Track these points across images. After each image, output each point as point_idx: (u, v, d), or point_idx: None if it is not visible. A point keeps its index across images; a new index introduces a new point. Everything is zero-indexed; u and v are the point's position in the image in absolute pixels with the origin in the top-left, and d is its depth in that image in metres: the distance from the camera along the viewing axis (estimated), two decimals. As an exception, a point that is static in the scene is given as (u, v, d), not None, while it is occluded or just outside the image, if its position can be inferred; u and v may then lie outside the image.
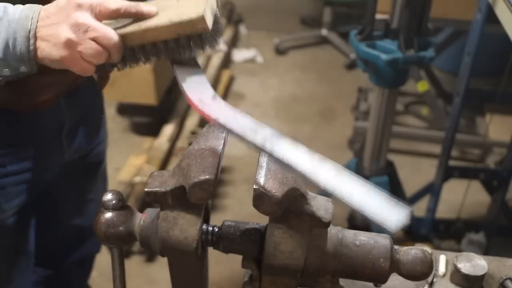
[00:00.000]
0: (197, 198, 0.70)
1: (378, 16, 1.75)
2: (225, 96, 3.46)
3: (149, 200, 0.75)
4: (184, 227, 0.73)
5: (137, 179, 2.53)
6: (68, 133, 1.22)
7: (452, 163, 2.15)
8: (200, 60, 3.78)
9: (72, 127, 1.23)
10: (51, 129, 1.17)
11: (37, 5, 0.85)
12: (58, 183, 1.30)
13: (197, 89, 0.81)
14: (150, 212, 0.78)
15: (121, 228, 0.77)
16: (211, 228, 0.78)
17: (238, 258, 0.78)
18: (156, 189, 0.74)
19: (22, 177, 1.16)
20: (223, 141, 0.75)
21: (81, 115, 1.25)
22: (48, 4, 0.85)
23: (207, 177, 0.69)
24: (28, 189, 1.19)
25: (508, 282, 0.99)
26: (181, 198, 0.73)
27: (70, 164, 1.28)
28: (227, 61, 3.80)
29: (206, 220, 0.79)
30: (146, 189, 0.75)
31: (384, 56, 1.67)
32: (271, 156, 0.69)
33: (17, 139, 1.12)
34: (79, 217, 1.44)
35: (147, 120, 3.06)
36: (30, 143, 1.14)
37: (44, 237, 1.40)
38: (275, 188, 0.69)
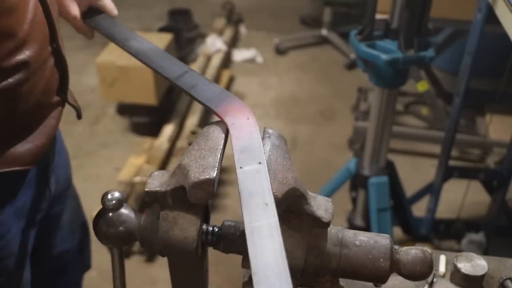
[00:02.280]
0: (197, 198, 0.70)
1: (378, 16, 1.75)
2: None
3: (149, 200, 0.75)
4: (184, 227, 0.73)
5: (137, 179, 2.53)
6: (52, 169, 1.20)
7: (452, 163, 2.15)
8: (201, 59, 3.77)
9: (54, 161, 1.20)
10: (40, 173, 1.14)
11: None
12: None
13: None
14: (150, 212, 0.78)
15: (121, 228, 0.77)
16: (211, 228, 0.78)
17: (238, 258, 0.78)
18: (156, 189, 0.74)
19: (23, 234, 1.12)
20: (223, 141, 0.75)
21: (56, 146, 1.23)
22: None
23: (207, 177, 0.68)
24: (28, 241, 1.16)
25: (508, 282, 0.99)
26: (181, 198, 0.73)
27: None
28: (227, 61, 3.81)
29: (206, 220, 0.79)
30: (146, 189, 0.74)
31: (384, 56, 1.67)
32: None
33: (15, 196, 1.08)
34: (60, 242, 1.39)
35: (147, 120, 3.07)
36: (25, 195, 1.10)
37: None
38: (275, 188, 0.68)
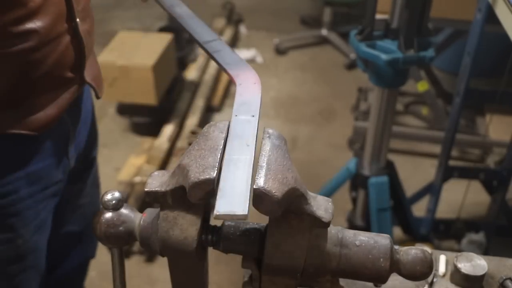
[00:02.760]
0: (197, 198, 0.70)
1: (378, 16, 1.75)
2: (225, 96, 3.46)
3: (149, 200, 0.75)
4: (184, 227, 0.73)
5: (137, 179, 2.53)
6: (73, 144, 1.24)
7: (452, 163, 2.15)
8: (200, 59, 3.76)
9: (75, 137, 1.24)
10: (58, 144, 1.18)
11: None
12: None
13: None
14: (150, 212, 0.78)
15: (121, 228, 0.77)
16: (211, 228, 0.78)
17: (238, 258, 0.78)
18: (156, 189, 0.74)
19: (35, 199, 1.16)
20: (223, 141, 0.75)
21: (81, 124, 1.27)
22: None
23: (207, 177, 0.68)
24: (43, 208, 1.19)
25: (508, 282, 0.99)
26: (181, 198, 0.73)
27: None
28: (227, 61, 3.80)
29: (206, 220, 0.79)
30: (146, 189, 0.74)
31: (384, 56, 1.67)
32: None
33: (28, 162, 1.13)
34: (70, 223, 1.43)
35: (147, 120, 3.07)
36: (39, 162, 1.14)
37: None
38: (275, 188, 0.68)
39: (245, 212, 0.63)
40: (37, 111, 1.08)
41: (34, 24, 0.99)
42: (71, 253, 1.49)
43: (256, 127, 0.77)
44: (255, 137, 0.75)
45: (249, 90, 0.88)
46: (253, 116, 0.80)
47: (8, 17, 0.95)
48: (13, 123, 1.06)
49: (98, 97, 1.28)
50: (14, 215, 1.14)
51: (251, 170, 0.68)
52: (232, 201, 0.64)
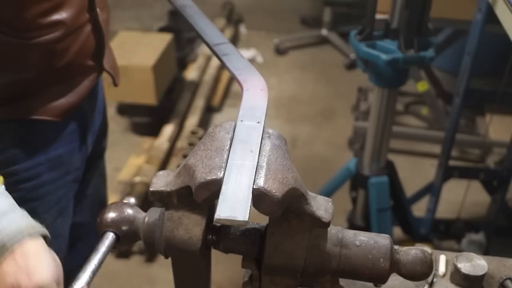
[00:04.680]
0: (203, 198, 0.70)
1: (378, 16, 1.75)
2: (225, 96, 3.46)
3: (154, 199, 0.75)
4: (189, 227, 0.73)
5: (137, 179, 2.53)
6: (90, 131, 1.28)
7: (452, 163, 2.16)
8: (201, 60, 3.75)
9: (91, 125, 1.28)
10: (77, 131, 1.22)
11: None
12: None
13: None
14: (154, 212, 0.78)
15: (125, 227, 0.77)
16: (212, 228, 0.78)
17: (238, 258, 0.79)
18: (162, 188, 0.74)
19: (57, 184, 1.20)
20: (229, 141, 0.75)
21: (96, 112, 1.31)
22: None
23: (213, 177, 0.69)
24: (65, 194, 1.23)
25: (508, 282, 0.99)
26: (186, 198, 0.73)
27: None
28: (227, 61, 3.80)
29: (211, 220, 0.79)
30: (151, 189, 0.74)
31: (384, 56, 1.67)
32: None
33: (49, 147, 1.16)
34: (76, 213, 1.43)
35: (147, 120, 3.06)
36: (60, 148, 1.18)
37: None
38: (275, 188, 0.69)
39: (246, 219, 0.64)
40: (59, 98, 1.12)
41: (60, 16, 1.04)
42: (77, 245, 1.50)
43: (261, 134, 0.77)
44: (260, 143, 0.75)
45: (256, 96, 0.89)
46: (258, 122, 0.80)
47: (36, 10, 1.00)
48: (37, 110, 1.10)
49: (115, 85, 1.32)
50: (36, 200, 1.17)
51: (253, 177, 0.69)
52: (234, 207, 0.65)
